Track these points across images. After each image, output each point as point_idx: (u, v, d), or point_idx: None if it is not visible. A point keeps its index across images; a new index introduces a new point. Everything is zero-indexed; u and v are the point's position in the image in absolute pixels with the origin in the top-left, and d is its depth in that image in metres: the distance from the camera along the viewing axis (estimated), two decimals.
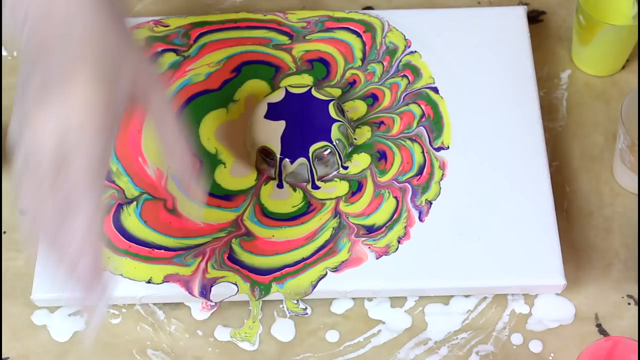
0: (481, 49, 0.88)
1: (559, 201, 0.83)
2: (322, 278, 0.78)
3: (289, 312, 0.80)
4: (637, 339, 0.74)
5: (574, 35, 0.88)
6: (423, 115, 0.85)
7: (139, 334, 0.79)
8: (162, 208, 0.82)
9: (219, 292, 0.78)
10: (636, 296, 0.80)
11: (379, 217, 0.80)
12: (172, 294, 0.79)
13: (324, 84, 0.87)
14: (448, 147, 0.84)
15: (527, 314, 0.79)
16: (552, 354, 0.77)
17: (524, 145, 0.83)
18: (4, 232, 0.83)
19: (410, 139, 0.84)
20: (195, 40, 0.90)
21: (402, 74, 0.87)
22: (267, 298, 0.79)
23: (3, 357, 0.78)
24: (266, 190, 0.82)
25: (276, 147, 0.82)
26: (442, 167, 0.83)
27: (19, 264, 0.82)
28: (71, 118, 0.63)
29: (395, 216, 0.80)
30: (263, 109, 0.84)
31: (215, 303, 0.80)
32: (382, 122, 0.85)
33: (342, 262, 0.79)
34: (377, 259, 0.79)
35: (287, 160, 0.81)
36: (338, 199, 0.82)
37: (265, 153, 0.82)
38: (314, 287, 0.78)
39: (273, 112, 0.83)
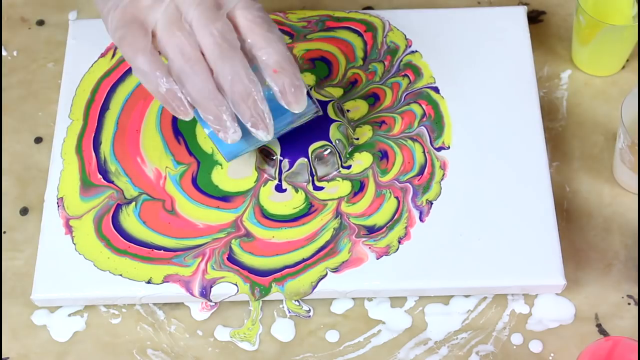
0: (481, 49, 0.88)
1: (559, 201, 0.83)
2: (322, 278, 0.78)
3: (290, 312, 0.80)
4: (637, 339, 0.74)
5: (574, 35, 0.88)
6: (424, 114, 0.85)
7: (139, 334, 0.79)
8: (161, 208, 0.82)
9: (219, 292, 0.78)
10: (636, 296, 0.80)
11: (380, 218, 0.80)
12: (172, 294, 0.79)
13: (326, 83, 0.87)
14: (449, 147, 0.84)
15: (527, 314, 0.79)
16: (552, 354, 0.78)
17: (524, 145, 0.83)
18: (4, 232, 0.83)
19: (412, 138, 0.84)
20: None
21: (403, 74, 0.88)
22: (267, 298, 0.79)
23: (3, 357, 0.78)
24: (266, 192, 0.82)
25: (276, 147, 0.82)
26: (443, 167, 0.83)
27: (19, 264, 0.82)
28: None
29: (396, 216, 0.80)
30: None
31: (215, 303, 0.80)
32: (383, 122, 0.85)
33: (343, 262, 0.79)
34: (377, 259, 0.79)
35: (287, 160, 0.81)
36: (340, 199, 0.82)
37: (265, 153, 0.82)
38: (314, 287, 0.78)
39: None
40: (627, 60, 0.90)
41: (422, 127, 0.85)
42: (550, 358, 0.77)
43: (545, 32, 0.92)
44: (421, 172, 0.82)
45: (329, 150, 0.82)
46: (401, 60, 0.88)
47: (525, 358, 0.77)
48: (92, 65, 0.89)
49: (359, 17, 0.91)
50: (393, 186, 0.82)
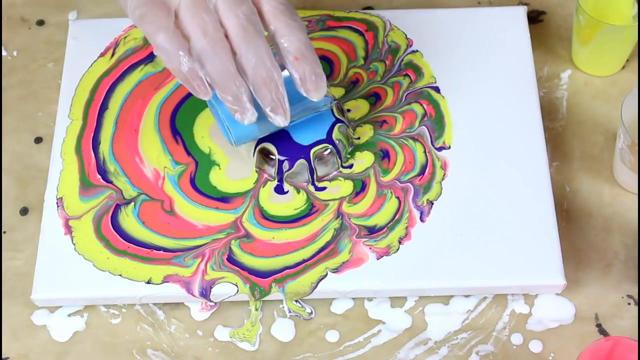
0: (481, 49, 0.88)
1: (559, 201, 0.83)
2: (322, 279, 0.78)
3: (290, 312, 0.80)
4: (637, 339, 0.74)
5: (574, 35, 0.88)
6: (425, 114, 0.85)
7: (139, 334, 0.79)
8: (160, 209, 0.82)
9: (219, 292, 0.78)
10: (636, 296, 0.80)
11: (381, 218, 0.80)
12: (172, 294, 0.79)
13: (328, 82, 0.87)
14: (449, 147, 0.84)
15: (527, 314, 0.79)
16: (552, 354, 0.78)
17: (524, 145, 0.83)
18: (4, 232, 0.83)
19: (413, 138, 0.84)
20: None
21: (404, 73, 0.88)
22: (267, 298, 0.79)
23: (3, 357, 0.78)
24: (265, 193, 0.82)
25: (276, 147, 0.81)
26: (444, 167, 0.83)
27: (19, 264, 0.82)
28: None
29: (397, 217, 0.80)
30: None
31: (215, 303, 0.80)
32: (384, 121, 0.85)
33: (343, 262, 0.79)
34: (377, 259, 0.79)
35: (287, 160, 0.81)
36: (342, 199, 0.81)
37: (265, 153, 0.82)
38: (314, 287, 0.78)
39: None
40: (627, 60, 0.90)
41: (423, 126, 0.85)
42: (550, 358, 0.77)
43: (545, 32, 0.92)
44: (422, 172, 0.82)
45: (329, 151, 0.82)
46: (402, 60, 0.88)
47: (525, 358, 0.77)
48: (91, 65, 0.89)
49: (360, 16, 0.91)
50: (394, 186, 0.82)
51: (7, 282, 0.81)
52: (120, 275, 0.79)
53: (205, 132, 0.85)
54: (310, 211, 0.81)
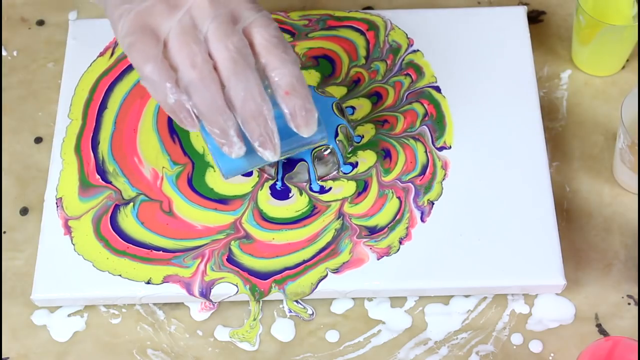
0: (481, 49, 0.88)
1: (559, 201, 0.83)
2: (322, 279, 0.78)
3: (290, 312, 0.80)
4: (637, 339, 0.74)
5: (574, 35, 0.88)
6: (426, 114, 0.85)
7: (139, 334, 0.79)
8: (159, 209, 0.82)
9: (219, 292, 0.78)
10: (636, 296, 0.80)
11: (382, 218, 0.80)
12: (172, 294, 0.79)
13: (330, 81, 0.87)
14: (450, 147, 0.84)
15: (527, 314, 0.79)
16: (552, 354, 0.77)
17: (524, 145, 0.83)
18: (4, 232, 0.83)
19: (414, 137, 0.84)
20: None
21: (405, 73, 0.88)
22: (267, 298, 0.79)
23: (3, 357, 0.78)
24: (264, 196, 0.82)
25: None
26: (445, 167, 0.83)
27: (19, 264, 0.82)
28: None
29: (397, 217, 0.80)
30: None
31: (214, 304, 0.80)
32: (385, 121, 0.85)
33: (343, 263, 0.79)
34: (378, 259, 0.79)
35: (287, 160, 0.81)
36: (344, 200, 0.81)
37: None
38: (314, 287, 0.78)
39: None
40: (627, 60, 0.90)
41: (424, 126, 0.85)
42: (550, 358, 0.77)
43: (545, 32, 0.92)
44: (423, 171, 0.82)
45: (329, 151, 0.81)
46: (403, 59, 0.88)
47: (525, 358, 0.77)
48: (90, 65, 0.89)
49: (360, 16, 0.91)
50: (395, 186, 0.82)
51: (7, 282, 0.81)
52: (120, 275, 0.79)
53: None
54: (311, 212, 0.81)
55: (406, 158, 0.83)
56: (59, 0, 0.95)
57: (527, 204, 0.81)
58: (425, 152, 0.83)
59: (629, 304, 0.79)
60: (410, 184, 0.82)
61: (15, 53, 0.92)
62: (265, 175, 0.83)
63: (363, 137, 0.84)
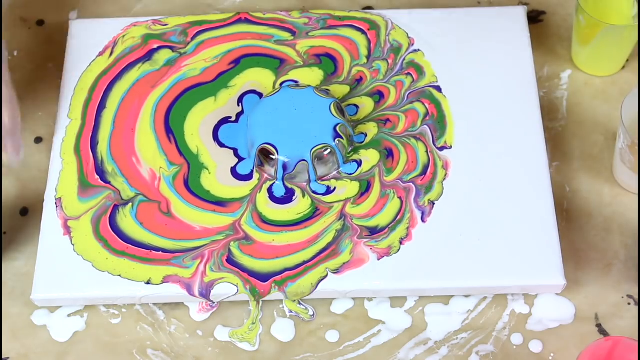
0: (481, 49, 0.88)
1: (559, 201, 0.83)
2: (322, 279, 0.78)
3: (290, 312, 0.80)
4: (637, 339, 0.74)
5: (574, 35, 0.88)
6: (427, 113, 0.85)
7: (139, 334, 0.79)
8: (157, 210, 0.81)
9: (219, 292, 0.78)
10: (636, 296, 0.80)
11: (383, 218, 0.80)
12: (172, 294, 0.79)
13: (333, 79, 0.87)
14: (451, 147, 0.84)
15: (527, 314, 0.79)
16: (552, 354, 0.78)
17: (525, 145, 0.83)
18: (4, 232, 0.83)
19: (415, 137, 0.84)
20: (193, 38, 0.90)
21: (406, 72, 0.88)
22: (267, 298, 0.79)
23: (3, 357, 0.78)
24: (263, 200, 0.82)
25: (276, 147, 0.81)
26: (445, 167, 0.83)
27: (19, 264, 0.82)
28: None
29: (398, 217, 0.80)
30: (263, 108, 0.84)
31: (214, 305, 0.79)
32: (387, 120, 0.85)
33: (344, 263, 0.79)
34: (378, 260, 0.79)
35: (287, 160, 0.81)
36: (347, 200, 0.81)
37: (265, 153, 0.82)
38: (314, 288, 0.78)
39: (273, 112, 0.83)
40: (627, 60, 0.90)
41: (425, 126, 0.85)
42: (550, 358, 0.77)
43: (545, 32, 0.92)
44: (424, 171, 0.82)
45: (329, 151, 0.81)
46: (404, 59, 0.88)
47: (525, 358, 0.77)
48: (90, 64, 0.89)
49: (361, 15, 0.91)
50: (397, 186, 0.82)
51: (7, 282, 0.81)
52: (120, 275, 0.79)
53: (194, 129, 0.85)
54: (313, 214, 0.81)
55: (408, 158, 0.83)
56: (58, 0, 0.95)
57: (527, 204, 0.81)
58: (427, 151, 0.83)
59: (629, 304, 0.79)
60: (411, 184, 0.82)
61: (15, 53, 0.92)
62: (266, 176, 0.83)
63: (367, 135, 0.84)
